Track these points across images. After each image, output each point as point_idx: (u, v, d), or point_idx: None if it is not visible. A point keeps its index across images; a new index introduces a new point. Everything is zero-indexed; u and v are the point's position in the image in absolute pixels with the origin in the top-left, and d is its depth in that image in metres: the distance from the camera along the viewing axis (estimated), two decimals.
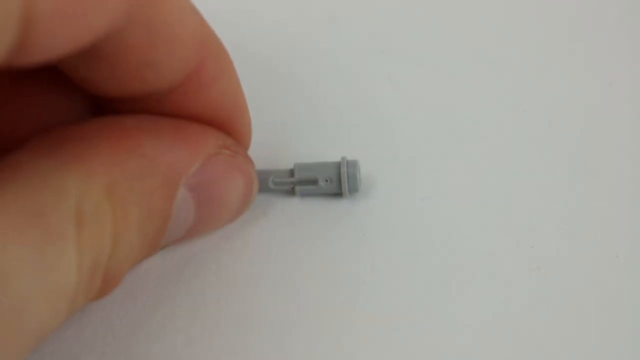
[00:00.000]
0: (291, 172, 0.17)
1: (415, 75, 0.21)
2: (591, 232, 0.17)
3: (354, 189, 0.17)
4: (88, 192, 0.11)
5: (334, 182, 0.17)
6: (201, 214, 0.14)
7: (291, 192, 0.17)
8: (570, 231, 0.18)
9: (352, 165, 0.17)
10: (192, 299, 0.16)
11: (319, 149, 0.19)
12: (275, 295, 0.16)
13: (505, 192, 0.18)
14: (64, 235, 0.11)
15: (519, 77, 0.21)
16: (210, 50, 0.13)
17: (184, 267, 0.16)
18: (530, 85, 0.21)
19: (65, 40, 0.10)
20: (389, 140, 0.19)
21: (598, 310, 0.16)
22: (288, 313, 0.16)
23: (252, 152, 0.17)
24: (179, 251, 0.17)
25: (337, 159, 0.17)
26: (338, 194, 0.17)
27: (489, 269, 0.17)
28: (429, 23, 0.23)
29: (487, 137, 0.20)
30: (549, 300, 0.16)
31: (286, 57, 0.21)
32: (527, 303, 0.16)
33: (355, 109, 0.20)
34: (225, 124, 0.15)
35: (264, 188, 0.17)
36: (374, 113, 0.20)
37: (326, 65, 0.21)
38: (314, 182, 0.17)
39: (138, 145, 0.12)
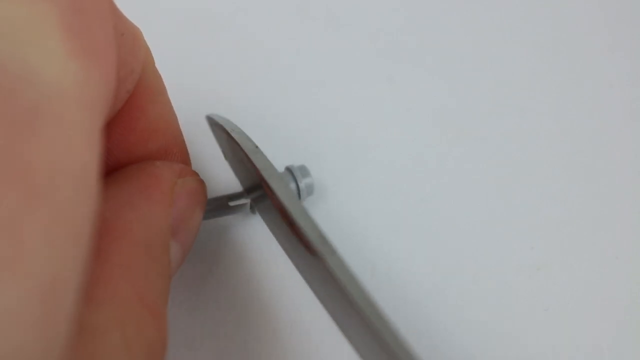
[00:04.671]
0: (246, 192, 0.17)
1: (414, 76, 0.21)
2: (591, 233, 0.17)
3: (309, 193, 0.17)
4: (126, 319, 0.10)
5: None
6: (184, 251, 0.14)
7: (251, 210, 0.17)
8: (570, 232, 0.18)
9: (304, 171, 0.17)
10: (192, 301, 0.16)
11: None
12: (275, 296, 0.16)
13: (505, 193, 0.18)
14: None
15: (519, 78, 0.21)
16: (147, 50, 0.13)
17: (182, 268, 0.16)
18: (530, 86, 0.21)
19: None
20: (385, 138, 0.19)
21: (598, 310, 0.16)
22: (288, 313, 0.16)
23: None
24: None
25: (280, 168, 0.17)
26: None
27: (489, 270, 0.17)
28: (428, 21, 0.23)
29: (487, 138, 0.20)
30: (549, 301, 0.16)
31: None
32: (527, 304, 0.16)
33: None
34: (167, 137, 0.14)
35: (222, 212, 0.17)
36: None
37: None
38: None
39: (133, 241, 0.12)
